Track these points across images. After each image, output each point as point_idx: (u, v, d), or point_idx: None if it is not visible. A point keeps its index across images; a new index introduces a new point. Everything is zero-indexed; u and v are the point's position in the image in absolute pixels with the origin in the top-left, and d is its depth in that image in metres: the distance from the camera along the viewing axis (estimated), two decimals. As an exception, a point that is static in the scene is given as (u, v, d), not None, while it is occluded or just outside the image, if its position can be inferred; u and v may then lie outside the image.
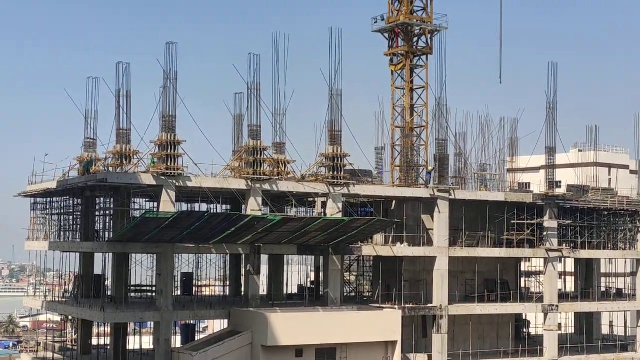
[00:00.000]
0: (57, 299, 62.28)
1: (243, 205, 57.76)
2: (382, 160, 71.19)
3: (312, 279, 75.21)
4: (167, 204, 52.33)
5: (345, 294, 67.52)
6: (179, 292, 63.75)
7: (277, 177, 55.80)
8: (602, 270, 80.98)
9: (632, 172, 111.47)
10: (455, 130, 67.56)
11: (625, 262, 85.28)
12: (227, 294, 68.18)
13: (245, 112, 57.19)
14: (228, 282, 69.16)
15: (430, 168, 65.84)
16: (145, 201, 63.03)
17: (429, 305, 62.40)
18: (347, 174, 58.65)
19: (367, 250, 60.44)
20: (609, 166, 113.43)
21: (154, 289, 58.54)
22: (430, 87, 69.56)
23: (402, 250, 61.70)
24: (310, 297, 63.32)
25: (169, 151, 52.28)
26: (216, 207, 62.39)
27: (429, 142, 69.25)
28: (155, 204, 56.75)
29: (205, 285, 69.56)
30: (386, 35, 71.84)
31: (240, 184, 54.89)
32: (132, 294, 61.62)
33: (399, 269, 63.08)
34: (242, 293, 61.48)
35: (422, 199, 63.33)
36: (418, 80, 71.15)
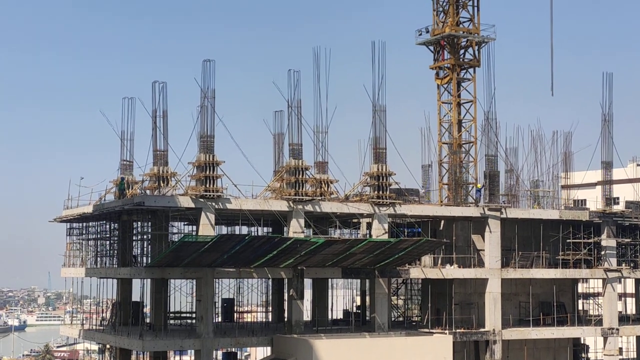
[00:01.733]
0: (94, 327, 62.62)
1: (285, 228, 57.73)
2: (429, 178, 70.87)
3: (358, 303, 74.85)
4: (206, 227, 52.46)
5: (393, 319, 67.11)
6: (219, 319, 63.80)
7: (319, 198, 55.74)
8: (665, 291, 79.58)
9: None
10: (506, 146, 67.12)
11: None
12: (270, 320, 68.07)
13: (285, 130, 57.31)
14: (270, 308, 69.06)
15: (479, 185, 65.37)
16: (184, 224, 63.33)
17: (481, 329, 61.78)
18: (392, 193, 58.43)
19: (415, 272, 60.07)
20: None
21: (193, 315, 58.65)
22: (478, 100, 69.31)
23: (452, 272, 61.23)
24: (357, 323, 63.01)
25: (207, 172, 52.47)
26: (257, 229, 62.43)
27: (478, 159, 68.87)
28: (194, 228, 56.92)
29: (247, 311, 69.56)
30: (431, 47, 71.67)
31: (281, 205, 54.89)
32: (172, 321, 61.78)
33: (448, 292, 62.59)
34: (285, 319, 61.32)
35: (471, 218, 62.86)
36: (465, 94, 70.86)
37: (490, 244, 62.00)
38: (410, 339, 57.36)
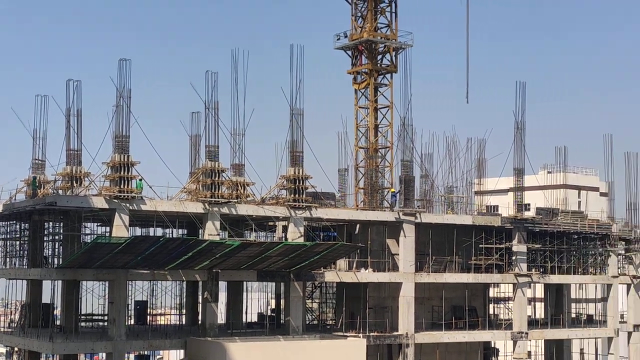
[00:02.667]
0: (2, 330, 61.18)
1: (200, 230, 57.29)
2: (345, 182, 71.17)
3: (273, 306, 74.77)
4: (120, 229, 51.74)
5: (308, 322, 67.16)
6: (132, 321, 63.00)
7: (235, 200, 55.47)
8: (573, 296, 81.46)
9: (602, 194, 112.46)
10: (421, 151, 67.83)
11: (596, 287, 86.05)
12: (184, 322, 67.50)
13: (202, 132, 56.89)
14: (184, 311, 68.47)
15: (392, 190, 65.94)
16: (97, 225, 62.30)
17: (395, 333, 62.25)
18: (309, 197, 58.48)
19: (330, 276, 60.23)
20: (579, 188, 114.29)
21: (105, 318, 57.75)
22: (395, 106, 69.83)
23: (367, 276, 61.57)
24: (271, 326, 62.91)
25: (122, 173, 51.76)
26: (172, 231, 61.81)
27: (394, 164, 69.44)
28: (108, 229, 56.09)
29: (161, 314, 68.84)
30: (349, 52, 72.02)
31: (197, 207, 54.47)
32: (83, 324, 60.74)
33: (363, 296, 62.92)
34: (199, 322, 60.88)
35: (387, 223, 63.31)
36: (382, 99, 71.35)
37: (404, 248, 62.54)
38: (324, 342, 57.48)
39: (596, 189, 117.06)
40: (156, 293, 65.68)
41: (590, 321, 78.22)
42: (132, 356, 64.31)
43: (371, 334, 60.71)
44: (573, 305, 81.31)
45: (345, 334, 60.35)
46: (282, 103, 58.03)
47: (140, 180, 53.25)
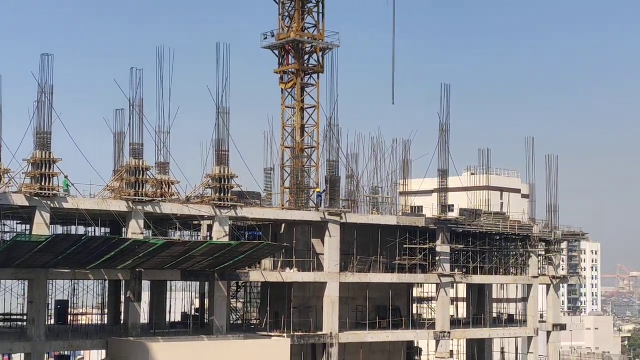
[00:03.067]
0: None
1: (124, 229, 56.61)
2: (271, 182, 71.07)
3: (197, 306, 74.25)
4: (41, 227, 50.77)
5: (232, 322, 66.86)
6: (52, 321, 61.93)
7: (160, 199, 54.93)
8: (494, 296, 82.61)
9: (523, 196, 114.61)
10: (347, 152, 68.08)
11: (517, 287, 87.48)
12: (106, 322, 66.60)
13: (126, 129, 56.29)
14: (107, 310, 67.58)
15: (318, 190, 66.04)
16: (17, 223, 61.20)
17: (319, 332, 62.33)
18: (234, 196, 58.20)
19: (255, 275, 60.04)
20: (501, 190, 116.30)
21: (25, 317, 56.62)
22: (321, 106, 69.96)
23: (292, 275, 61.54)
24: (195, 326, 62.40)
25: (43, 170, 50.80)
26: (94, 230, 61.01)
27: (320, 164, 69.57)
28: (28, 227, 55.02)
29: (82, 314, 67.81)
30: (276, 52, 71.91)
31: (120, 206, 53.78)
32: (1, 324, 59.46)
33: (288, 296, 62.87)
34: (122, 322, 60.13)
35: (312, 223, 63.36)
36: (309, 99, 71.42)
37: (329, 248, 62.67)
38: (249, 342, 57.30)
39: (518, 191, 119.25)
40: (78, 292, 64.80)
41: (511, 321, 79.42)
42: (52, 356, 63.18)
43: (295, 333, 60.68)
44: (494, 305, 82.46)
45: (270, 333, 60.22)
46: (209, 102, 57.70)
47: (66, 177, 52.45)
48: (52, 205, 51.21)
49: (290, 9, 71.45)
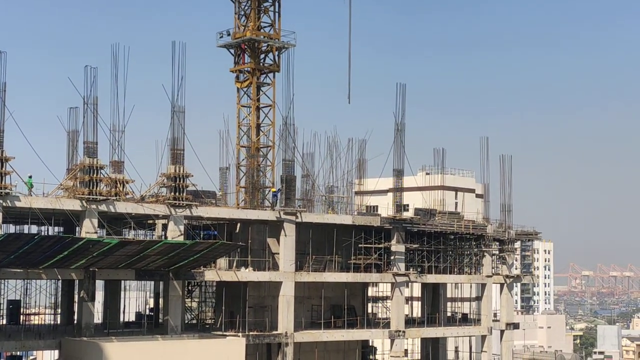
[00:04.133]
0: None
1: (77, 228, 56.18)
2: (226, 181, 70.91)
3: (151, 305, 73.89)
4: (-7, 226, 50.23)
5: (187, 322, 66.64)
6: (4, 321, 61.27)
7: (114, 198, 54.61)
8: (449, 295, 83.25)
9: (477, 195, 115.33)
10: (303, 151, 68.18)
11: (471, 286, 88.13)
12: (59, 322, 66.02)
13: (80, 127, 55.89)
14: (60, 310, 67.00)
15: (273, 189, 66.06)
16: (-32, 222, 60.37)
17: (274, 332, 62.36)
18: (189, 195, 58.04)
19: (210, 275, 59.91)
20: (456, 190, 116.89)
21: (-24, 318, 55.98)
22: (277, 105, 70.06)
23: (247, 275, 61.51)
24: (149, 325, 62.14)
25: (-5, 168, 50.23)
26: (48, 229, 60.43)
27: (276, 163, 69.58)
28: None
29: (35, 314, 67.13)
30: (232, 51, 71.82)
31: (74, 205, 53.36)
32: (-48, 324, 58.68)
33: (243, 295, 62.81)
34: (75, 322, 59.66)
35: (267, 222, 63.38)
36: (265, 98, 71.42)
37: (285, 247, 62.72)
38: (203, 341, 57.15)
39: (472, 191, 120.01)
40: (30, 292, 64.17)
41: (465, 320, 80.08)
42: (4, 357, 62.42)
43: (251, 333, 60.66)
44: (449, 304, 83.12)
45: (225, 333, 60.13)
46: (164, 100, 57.50)
47: (30, 177, 52.10)
48: (4, 204, 50.70)
49: (246, 7, 71.42)
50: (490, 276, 76.38)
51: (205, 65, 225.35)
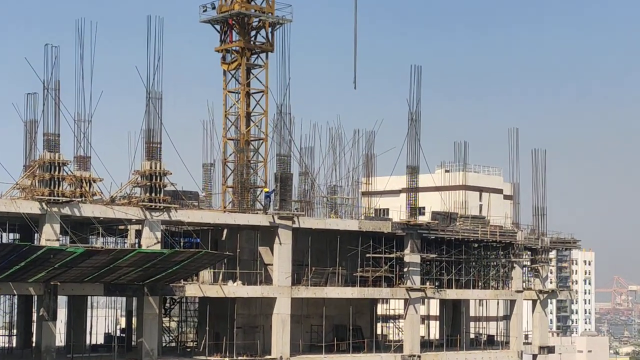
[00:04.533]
0: None
1: (36, 234, 56.27)
2: (211, 179, 71.02)
3: (123, 326, 74.04)
4: (-63, 232, 50.38)
5: (165, 344, 66.78)
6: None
7: (79, 199, 54.67)
8: (471, 313, 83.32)
9: (506, 196, 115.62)
10: (301, 145, 68.32)
11: (498, 303, 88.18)
12: (14, 345, 66.18)
13: (40, 117, 55.93)
14: (15, 331, 67.14)
15: (266, 189, 66.11)
16: None
17: (267, 357, 62.49)
18: (167, 196, 58.14)
19: (192, 289, 59.99)
20: (480, 190, 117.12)
21: None
22: (270, 91, 70.07)
23: (235, 289, 61.59)
24: (120, 349, 62.26)
25: (-60, 165, 50.44)
26: (1, 236, 60.56)
27: (269, 159, 69.67)
28: None
29: (-14, 335, 67.32)
30: (218, 27, 71.88)
31: (32, 207, 53.42)
32: None
33: (230, 313, 62.91)
34: (34, 344, 59.77)
35: (259, 228, 63.46)
36: (256, 82, 71.49)
37: (279, 257, 62.80)
38: (184, 368, 57.23)
39: (499, 191, 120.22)
40: (-19, 310, 64.31)
41: (491, 342, 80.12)
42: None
43: (239, 357, 60.78)
44: (472, 324, 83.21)
45: (209, 358, 60.25)
46: (138, 85, 57.67)
47: None
48: (-50, 207, 50.84)
49: (234, -24, 71.45)
50: (521, 291, 76.44)
51: (187, 44, 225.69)
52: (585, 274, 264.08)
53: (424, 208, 76.30)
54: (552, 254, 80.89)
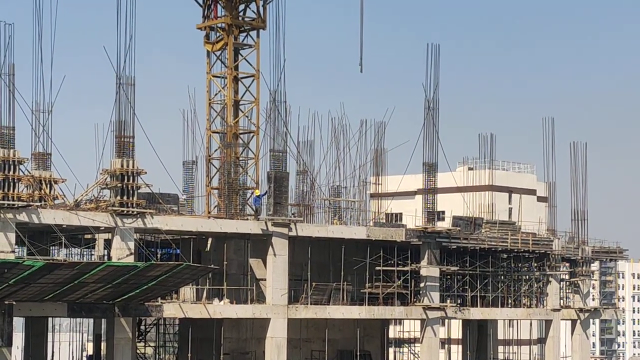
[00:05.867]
0: None
1: (-13, 245, 56.25)
2: (193, 180, 71.05)
3: (90, 352, 74.10)
4: None
5: (139, 374, 66.75)
6: None
7: (38, 204, 54.69)
8: (500, 336, 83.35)
9: (540, 198, 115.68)
10: (298, 138, 68.32)
11: (531, 324, 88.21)
12: (-38, 376, 66.28)
13: (-9, 107, 55.86)
14: (-37, 359, 67.26)
15: (257, 191, 66.14)
16: None
17: (260, 388, 62.65)
18: (142, 200, 58.15)
19: (171, 309, 60.03)
20: (510, 191, 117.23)
21: None
22: (262, 76, 70.05)
23: (222, 309, 61.63)
24: (87, 380, 62.39)
25: None
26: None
27: (261, 155, 69.66)
28: None
29: None
30: (200, 0, 71.92)
31: (-18, 214, 53.50)
32: None
33: (216, 337, 62.95)
34: (-15, 375, 59.77)
35: (250, 236, 63.50)
36: (246, 66, 71.53)
37: (274, 271, 62.81)
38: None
39: (532, 192, 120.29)
40: None
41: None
42: None
43: (227, 389, 60.88)
44: (500, 348, 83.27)
45: (191, 390, 60.35)
46: (106, 69, 57.79)
47: None
48: None
49: (219, -60, 71.49)
50: (558, 310, 76.49)
51: (164, 20, 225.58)
52: (634, 289, 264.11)
53: (443, 212, 76.46)
54: (595, 266, 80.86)
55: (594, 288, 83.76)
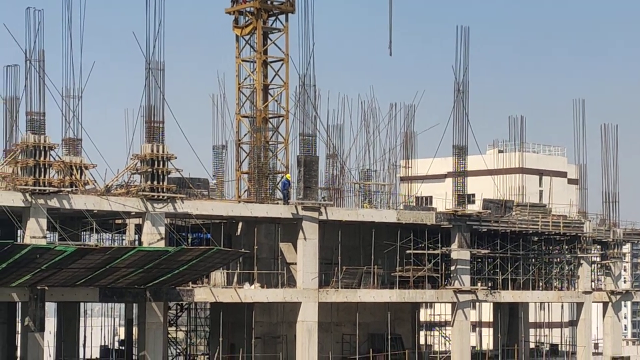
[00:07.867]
0: None
1: (19, 230, 56.55)
2: (223, 164, 71.14)
3: (122, 336, 74.41)
4: None
5: (171, 357, 67.01)
6: None
7: (69, 189, 54.89)
8: (531, 319, 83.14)
9: (570, 181, 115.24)
10: (328, 122, 68.21)
11: (562, 307, 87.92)
12: (-4, 360, 66.70)
13: (22, 93, 56.09)
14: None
15: (288, 175, 66.13)
16: None
17: (291, 372, 62.74)
18: (172, 185, 58.27)
19: (202, 294, 60.17)
20: (540, 173, 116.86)
21: None
22: (291, 59, 70.02)
23: (253, 293, 61.72)
24: (119, 364, 62.66)
25: None
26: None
27: (290, 139, 69.68)
28: None
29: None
30: (229, -16, 71.93)
31: (14, 199, 53.66)
32: None
33: (247, 321, 63.06)
34: (18, 358, 60.18)
35: (280, 221, 63.54)
36: (275, 50, 71.45)
37: (304, 255, 62.86)
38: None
39: (563, 174, 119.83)
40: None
41: (554, 353, 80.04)
42: None
43: (258, 373, 61.03)
44: (532, 331, 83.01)
45: (223, 374, 60.50)
46: (136, 54, 57.85)
47: None
48: None
49: None
50: (589, 292, 76.24)
51: (193, 5, 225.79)
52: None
53: (474, 195, 76.27)
54: (626, 248, 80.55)
55: (625, 270, 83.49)
